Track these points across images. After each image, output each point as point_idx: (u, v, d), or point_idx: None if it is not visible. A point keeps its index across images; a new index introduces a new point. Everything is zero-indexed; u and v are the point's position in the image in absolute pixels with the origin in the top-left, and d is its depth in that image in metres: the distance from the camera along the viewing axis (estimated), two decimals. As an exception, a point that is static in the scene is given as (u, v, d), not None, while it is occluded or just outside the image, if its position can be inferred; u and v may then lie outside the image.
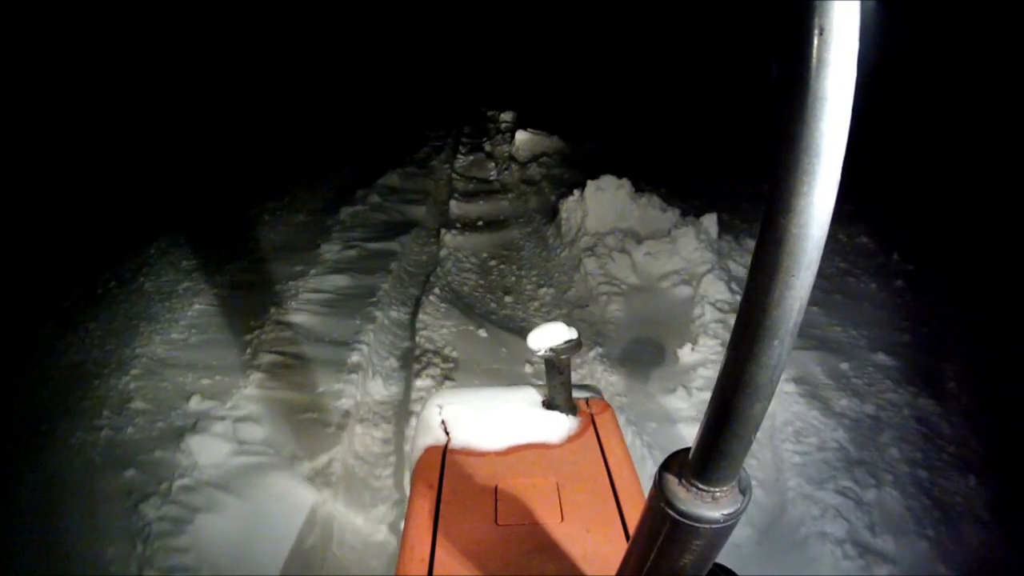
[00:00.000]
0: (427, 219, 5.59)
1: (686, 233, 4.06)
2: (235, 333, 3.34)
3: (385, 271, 4.20)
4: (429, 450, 1.19)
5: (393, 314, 3.74)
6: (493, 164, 7.60)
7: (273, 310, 3.51)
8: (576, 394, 1.26)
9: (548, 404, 1.24)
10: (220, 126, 8.13)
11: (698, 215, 4.34)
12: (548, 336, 1.13)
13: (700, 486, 0.47)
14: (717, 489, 0.47)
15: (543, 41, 13.26)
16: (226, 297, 3.79)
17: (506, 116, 9.52)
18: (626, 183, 4.65)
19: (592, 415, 1.25)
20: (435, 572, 0.92)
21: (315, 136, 8.46)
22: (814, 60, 0.33)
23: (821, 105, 0.33)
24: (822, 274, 3.71)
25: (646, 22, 12.15)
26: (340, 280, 4.01)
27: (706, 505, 0.47)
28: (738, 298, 3.20)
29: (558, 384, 1.20)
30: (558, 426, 1.21)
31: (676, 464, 0.49)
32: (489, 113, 10.03)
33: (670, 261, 3.98)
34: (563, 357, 1.13)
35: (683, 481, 0.48)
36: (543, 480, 1.09)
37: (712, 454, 0.46)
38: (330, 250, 4.46)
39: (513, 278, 4.39)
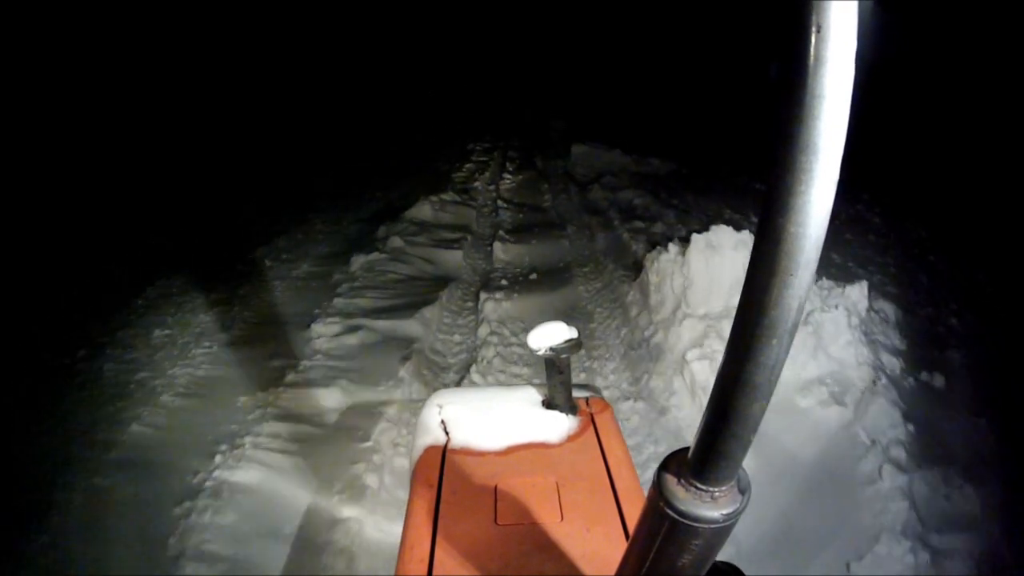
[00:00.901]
0: (463, 270, 4.46)
1: (834, 319, 2.84)
2: (160, 504, 2.34)
3: (394, 380, 2.98)
4: (429, 450, 1.19)
5: (400, 461, 2.53)
6: (547, 185, 6.41)
7: (214, 465, 2.47)
8: (576, 393, 1.26)
9: (548, 404, 1.24)
10: (251, 138, 7.90)
11: (829, 271, 3.36)
12: (548, 335, 1.13)
13: (699, 486, 0.47)
14: (716, 489, 0.47)
15: (592, 46, 12.76)
16: (174, 411, 2.89)
17: (557, 124, 8.71)
18: (748, 239, 3.27)
19: (592, 415, 1.25)
20: (435, 572, 0.92)
21: (350, 150, 7.87)
22: (812, 58, 0.33)
23: (819, 103, 0.33)
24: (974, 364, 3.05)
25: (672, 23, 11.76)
26: (325, 398, 2.85)
27: (705, 505, 0.47)
28: (924, 436, 2.61)
29: (558, 384, 1.19)
30: (558, 426, 1.21)
31: (675, 464, 0.49)
32: (537, 121, 9.20)
33: (813, 363, 2.75)
34: (563, 356, 1.13)
35: (682, 481, 0.48)
36: (543, 480, 1.09)
37: (711, 454, 0.46)
38: (324, 334, 3.39)
39: (582, 375, 3.18)
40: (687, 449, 0.49)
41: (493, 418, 1.22)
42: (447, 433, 1.21)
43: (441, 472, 1.12)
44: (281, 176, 6.74)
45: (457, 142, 8.04)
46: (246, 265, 4.48)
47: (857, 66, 0.33)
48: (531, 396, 1.27)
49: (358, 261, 4.30)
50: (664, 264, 3.46)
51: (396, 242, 4.61)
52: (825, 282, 3.17)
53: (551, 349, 1.12)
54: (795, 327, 0.40)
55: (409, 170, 6.83)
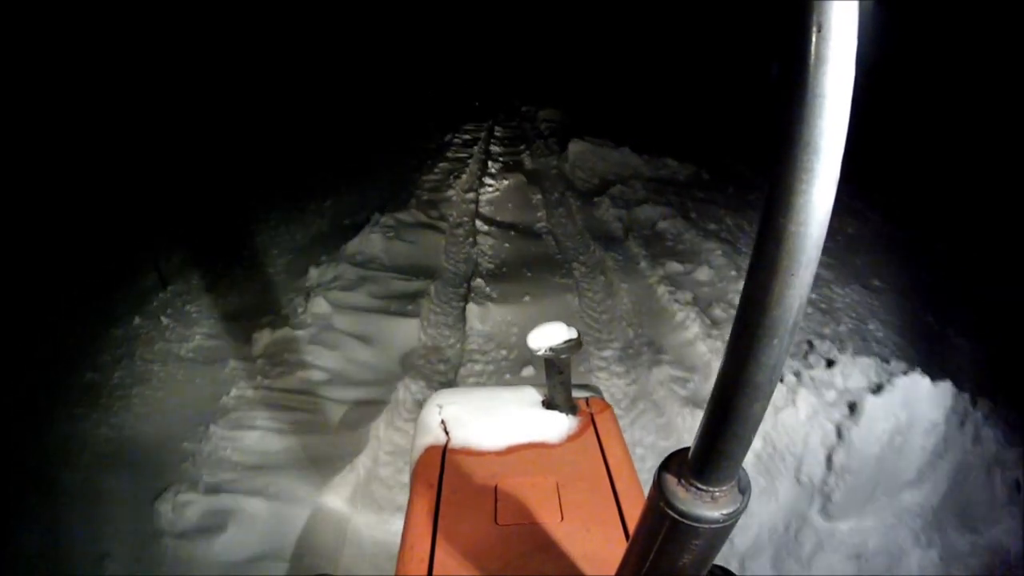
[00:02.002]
0: (417, 359, 3.04)
1: (990, 485, 2.11)
2: None
3: None
4: (429, 450, 1.19)
5: None
6: (539, 196, 5.07)
7: None
8: (576, 394, 1.26)
9: (548, 404, 1.24)
10: (209, 132, 6.89)
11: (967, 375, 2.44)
12: (548, 336, 1.13)
13: (699, 486, 0.47)
14: (716, 489, 0.47)
15: (589, 32, 11.56)
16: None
17: (547, 115, 7.44)
18: (950, 395, 2.11)
19: (592, 415, 1.25)
20: (435, 572, 0.92)
21: (316, 143, 6.76)
22: (813, 57, 0.33)
23: (820, 103, 0.33)
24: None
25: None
26: None
27: (705, 505, 0.47)
28: None
29: (558, 384, 1.19)
30: (558, 426, 1.21)
31: (675, 464, 0.49)
32: (524, 109, 7.96)
33: (959, 567, 2.01)
34: (563, 356, 1.13)
35: (682, 481, 0.48)
36: (543, 480, 1.09)
37: (711, 454, 0.46)
38: (168, 529, 2.12)
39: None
40: (687, 449, 0.49)
41: (493, 418, 1.22)
42: (447, 433, 1.21)
43: (441, 472, 1.12)
44: (237, 183, 5.67)
45: (431, 134, 6.95)
46: (144, 319, 3.36)
47: (858, 65, 0.33)
48: (531, 396, 1.27)
49: (261, 341, 2.98)
50: (799, 425, 2.11)
51: (321, 307, 3.18)
52: (947, 389, 2.07)
53: (551, 349, 1.12)
54: (796, 326, 0.40)
55: (369, 169, 5.76)
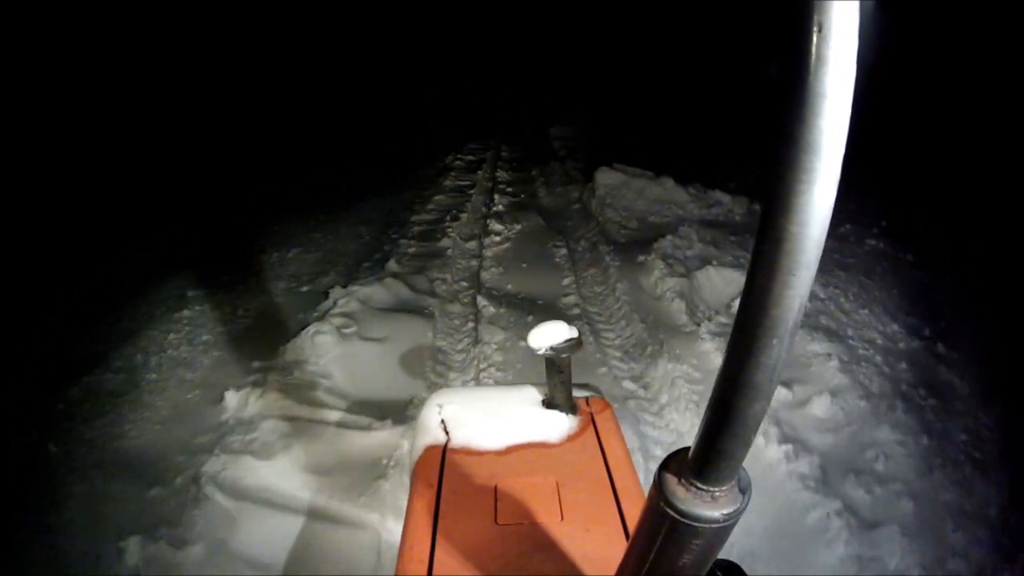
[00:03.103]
0: None
1: None
2: None
3: None
4: (428, 449, 1.19)
5: None
6: (562, 246, 3.98)
7: None
8: (576, 393, 1.26)
9: (548, 403, 1.24)
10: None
11: None
12: (548, 335, 1.13)
13: (699, 485, 0.47)
14: (717, 489, 0.47)
15: (593, 32, 10.71)
16: None
17: (559, 132, 6.58)
18: None
19: (592, 414, 1.25)
20: (435, 571, 0.92)
21: (300, 173, 5.81)
22: (813, 57, 0.33)
23: (820, 103, 0.33)
24: None
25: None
26: None
27: (705, 505, 0.47)
28: None
29: (558, 383, 1.19)
30: (558, 425, 1.21)
31: (675, 463, 0.49)
32: (532, 128, 6.97)
33: None
34: (563, 356, 1.13)
35: (682, 480, 0.48)
36: (543, 479, 1.09)
37: (711, 454, 0.46)
38: None
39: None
40: (688, 449, 0.49)
41: (493, 418, 1.22)
42: (447, 433, 1.21)
43: (441, 472, 1.12)
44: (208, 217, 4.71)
45: (431, 160, 6.07)
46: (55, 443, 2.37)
47: (858, 65, 0.33)
48: (531, 396, 1.27)
49: (128, 560, 1.88)
50: None
51: (214, 505, 2.01)
52: None
53: (551, 348, 1.12)
54: (796, 327, 0.40)
55: (353, 204, 4.82)
